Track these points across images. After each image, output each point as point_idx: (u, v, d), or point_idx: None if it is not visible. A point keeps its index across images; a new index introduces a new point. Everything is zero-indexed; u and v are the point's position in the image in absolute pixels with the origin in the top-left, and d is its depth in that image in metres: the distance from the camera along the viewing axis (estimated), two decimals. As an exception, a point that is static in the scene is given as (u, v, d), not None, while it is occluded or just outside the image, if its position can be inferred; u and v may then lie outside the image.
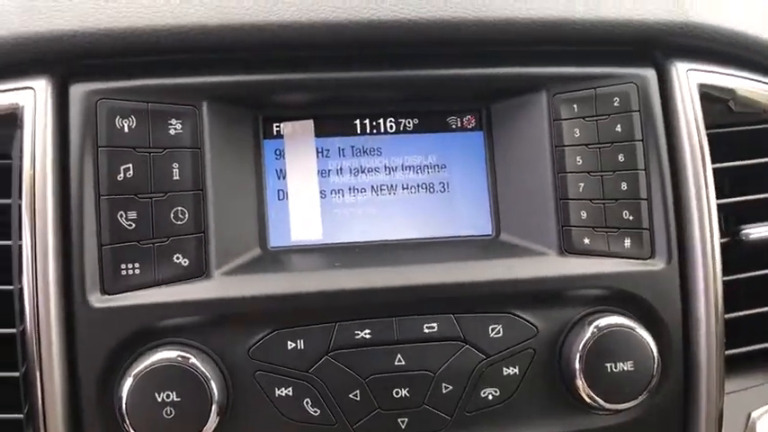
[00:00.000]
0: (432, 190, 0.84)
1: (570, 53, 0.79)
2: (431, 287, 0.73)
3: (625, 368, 0.74)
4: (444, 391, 0.75)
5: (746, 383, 0.83)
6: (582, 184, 0.78)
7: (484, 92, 0.81)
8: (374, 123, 0.82)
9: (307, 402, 0.73)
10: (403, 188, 0.83)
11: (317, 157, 0.81)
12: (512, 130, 0.81)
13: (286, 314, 0.71)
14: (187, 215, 0.72)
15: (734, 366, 0.80)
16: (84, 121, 0.71)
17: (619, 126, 0.78)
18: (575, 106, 0.79)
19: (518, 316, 0.75)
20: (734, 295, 0.80)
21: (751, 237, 0.85)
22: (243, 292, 0.71)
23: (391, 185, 0.82)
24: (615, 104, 0.78)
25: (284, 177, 0.80)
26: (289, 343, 0.72)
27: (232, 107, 0.76)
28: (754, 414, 0.81)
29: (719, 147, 0.81)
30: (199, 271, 0.72)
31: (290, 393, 0.72)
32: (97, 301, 0.69)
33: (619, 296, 0.76)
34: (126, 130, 0.71)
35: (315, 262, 0.77)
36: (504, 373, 0.75)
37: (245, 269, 0.74)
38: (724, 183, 0.84)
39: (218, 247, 0.72)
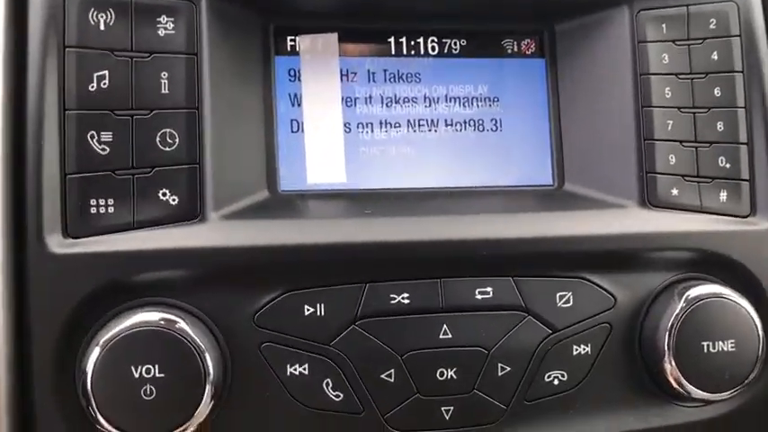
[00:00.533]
0: (481, 128, 0.70)
1: None
2: (484, 242, 0.60)
3: (725, 348, 0.60)
4: (500, 374, 0.60)
5: None
6: (670, 122, 0.66)
7: (547, 8, 0.70)
8: (412, 43, 0.69)
9: (326, 384, 0.58)
10: (446, 124, 0.70)
11: (342, 80, 0.68)
12: (582, 56, 0.70)
13: (302, 271, 0.59)
14: (177, 140, 0.58)
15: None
16: (47, 14, 0.57)
17: (715, 53, 0.66)
18: (663, 26, 0.67)
19: (591, 282, 0.63)
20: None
21: None
22: (247, 241, 0.58)
23: (432, 121, 0.69)
24: (711, 27, 0.67)
25: (299, 104, 0.67)
26: (306, 308, 0.58)
27: (239, 8, 0.63)
28: None
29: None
30: (191, 212, 0.58)
31: (306, 372, 0.58)
32: (58, 245, 0.55)
33: (712, 260, 0.65)
34: (102, 27, 0.57)
35: (337, 209, 0.65)
36: (575, 353, 0.61)
37: (250, 213, 0.61)
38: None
39: (216, 183, 0.59)
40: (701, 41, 0.67)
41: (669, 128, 0.66)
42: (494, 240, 0.61)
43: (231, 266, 0.58)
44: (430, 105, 0.70)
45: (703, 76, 0.66)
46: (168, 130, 0.58)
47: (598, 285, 0.63)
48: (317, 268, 0.59)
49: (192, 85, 0.59)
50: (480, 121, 0.70)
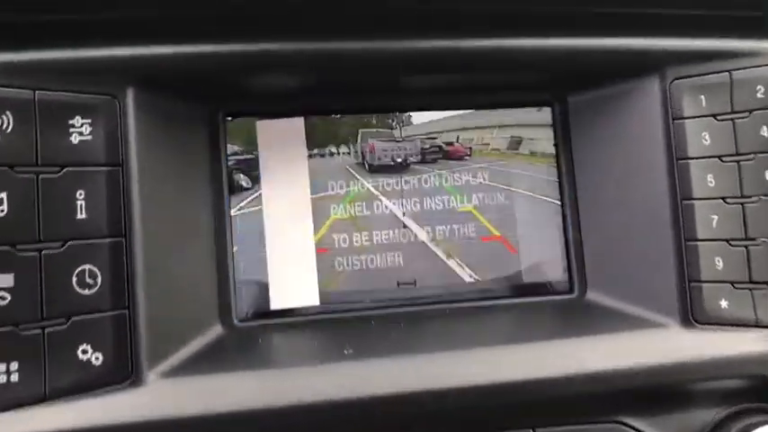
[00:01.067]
0: (480, 230, 0.59)
1: (693, 18, 0.56)
2: (495, 389, 0.49)
3: None
4: None
5: None
6: (715, 218, 0.55)
7: (559, 74, 0.59)
8: (393, 120, 0.59)
9: None
10: (439, 223, 0.59)
11: (311, 173, 0.57)
12: (601, 135, 0.60)
13: None
14: (100, 279, 0.47)
15: None
16: None
17: (765, 128, 0.56)
18: (702, 98, 0.57)
19: (630, 426, 0.53)
20: None
21: None
22: (196, 408, 0.46)
23: (421, 217, 0.59)
24: (759, 95, 0.56)
25: (260, 207, 0.56)
26: None
27: (175, 98, 0.52)
28: None
29: None
30: (121, 372, 0.47)
31: None
32: None
33: None
34: (-4, 135, 0.45)
35: (310, 348, 0.54)
36: None
37: (199, 364, 0.49)
38: None
39: (152, 329, 0.48)
40: (747, 114, 0.56)
41: (714, 224, 0.55)
42: (507, 385, 0.50)
43: None
44: (421, 199, 0.57)
45: (752, 157, 0.55)
46: (87, 267, 0.46)
47: (637, 431, 0.53)
48: None
49: (117, 205, 0.47)
50: (480, 216, 0.59)
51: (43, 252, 0.45)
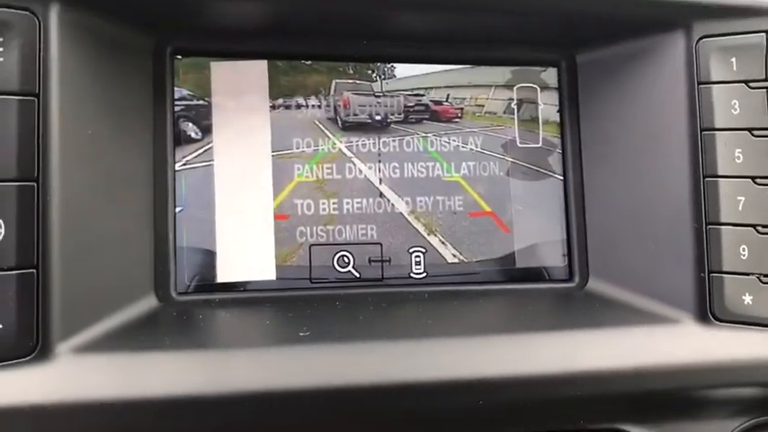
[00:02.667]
0: (468, 204, 0.52)
1: None
2: (478, 385, 0.42)
3: None
4: None
5: None
6: (742, 199, 0.49)
7: (568, 31, 0.52)
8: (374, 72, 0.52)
9: None
10: (420, 193, 0.51)
11: (273, 127, 0.50)
12: (614, 99, 0.53)
13: None
14: (3, 230, 0.39)
15: None
16: None
17: None
18: (733, 61, 0.50)
19: None
20: None
21: None
22: (115, 390, 0.39)
23: (400, 185, 0.51)
24: None
25: (210, 162, 0.48)
26: None
27: (113, 23, 0.44)
28: None
29: None
30: (25, 344, 0.39)
31: None
32: None
33: None
34: None
35: (259, 328, 0.46)
36: None
37: (123, 339, 0.42)
38: None
39: (67, 294, 0.41)
40: None
41: (740, 207, 0.49)
42: (492, 381, 0.43)
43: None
44: (400, 164, 0.50)
45: None
46: None
47: None
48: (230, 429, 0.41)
49: (29, 142, 0.40)
50: (468, 191, 0.53)
51: (-62, 194, 0.38)
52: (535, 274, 0.52)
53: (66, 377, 0.40)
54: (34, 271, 0.39)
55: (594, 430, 0.46)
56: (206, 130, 0.47)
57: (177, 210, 0.47)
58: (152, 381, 0.39)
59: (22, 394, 0.38)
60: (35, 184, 0.39)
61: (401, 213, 0.50)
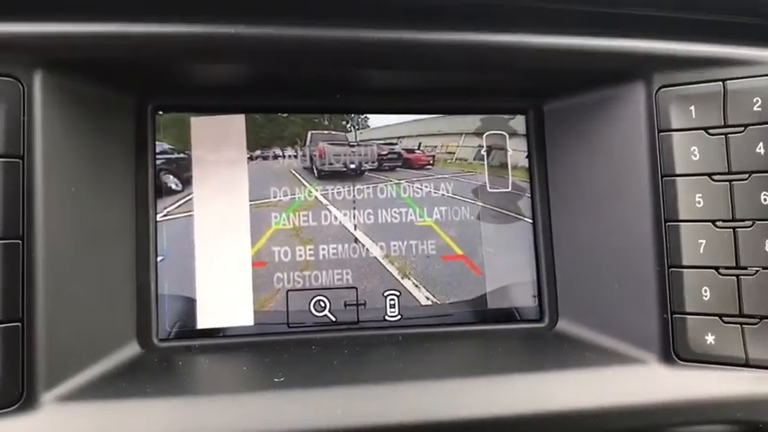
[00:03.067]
0: (441, 247, 0.53)
1: (685, 21, 0.51)
2: (449, 427, 0.44)
3: None
4: None
5: None
6: (703, 242, 0.50)
7: (535, 82, 0.54)
8: (348, 122, 0.54)
9: None
10: (394, 238, 0.53)
11: (251, 177, 0.52)
12: (580, 146, 0.55)
13: None
14: None
15: None
16: None
17: (761, 145, 0.50)
18: (692, 109, 0.51)
19: None
20: None
21: None
22: None
23: (375, 230, 0.53)
24: (756, 108, 0.51)
25: (190, 212, 0.49)
26: None
27: (93, 85, 0.46)
28: None
29: None
30: (11, 395, 0.41)
31: None
32: None
33: None
34: None
35: (237, 375, 0.47)
36: None
37: (106, 388, 0.43)
38: None
39: (50, 347, 0.42)
40: (741, 129, 0.51)
41: (702, 249, 0.50)
42: (460, 423, 0.44)
43: None
44: (374, 210, 0.52)
45: (746, 176, 0.50)
46: None
47: None
48: None
49: (15, 202, 0.42)
50: (435, 237, 0.54)
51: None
52: (506, 315, 0.53)
53: (51, 425, 0.41)
54: (19, 324, 0.41)
55: None
56: (186, 182, 0.49)
57: (159, 259, 0.48)
58: (133, 427, 0.41)
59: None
60: (20, 242, 0.41)
61: (376, 258, 0.52)
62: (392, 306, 0.51)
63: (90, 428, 0.40)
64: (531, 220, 0.54)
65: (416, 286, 0.52)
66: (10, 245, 0.41)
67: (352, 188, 0.52)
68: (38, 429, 0.40)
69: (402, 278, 0.52)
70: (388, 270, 0.52)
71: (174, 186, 0.49)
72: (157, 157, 0.49)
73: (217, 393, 0.43)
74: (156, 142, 0.49)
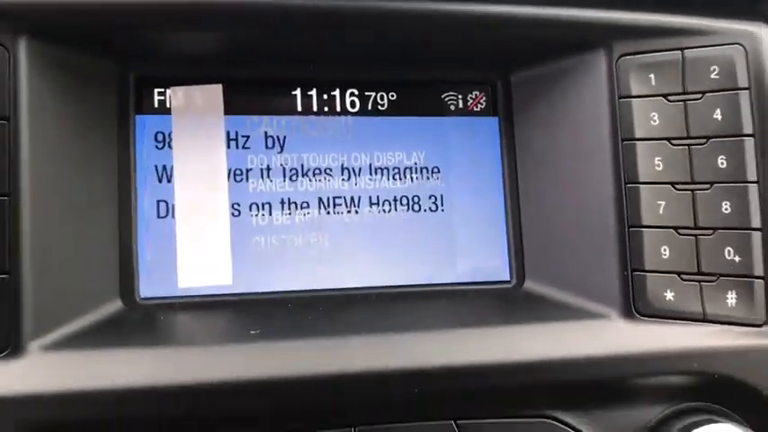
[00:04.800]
0: (416, 208, 0.57)
1: None
2: (416, 374, 0.47)
3: None
4: None
5: None
6: (662, 204, 0.53)
7: (500, 52, 0.57)
8: (326, 96, 0.57)
9: None
10: (371, 203, 0.56)
11: (229, 147, 0.54)
12: (545, 114, 0.58)
13: (163, 424, 0.45)
14: None
15: None
16: None
17: (718, 111, 0.53)
18: (651, 77, 0.54)
19: (560, 422, 0.50)
20: None
21: None
22: (82, 383, 0.44)
23: (351, 199, 0.56)
24: (713, 76, 0.54)
25: (169, 180, 0.53)
26: None
27: (79, 53, 0.49)
28: None
29: None
30: (1, 342, 0.44)
31: None
32: None
33: (719, 386, 0.53)
34: None
35: (215, 328, 0.51)
36: None
37: (90, 339, 0.46)
38: None
39: (38, 297, 0.45)
40: (699, 96, 0.54)
41: (661, 210, 0.54)
42: (429, 371, 0.47)
43: (60, 422, 0.44)
44: (349, 179, 0.57)
45: (704, 141, 0.53)
46: None
47: (569, 427, 0.51)
48: (183, 419, 0.45)
49: (2, 161, 0.44)
50: (415, 199, 0.57)
51: None
52: (476, 274, 0.56)
53: (35, 371, 0.43)
54: (6, 276, 0.44)
55: (526, 418, 0.50)
56: (166, 143, 0.52)
57: (140, 220, 0.51)
58: (115, 373, 0.44)
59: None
60: (7, 198, 0.44)
61: (351, 221, 0.54)
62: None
63: (73, 375, 0.44)
64: (500, 184, 0.57)
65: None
66: (-5, 203, 0.44)
67: (328, 152, 0.55)
68: (24, 375, 0.43)
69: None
70: (363, 230, 0.54)
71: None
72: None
73: (195, 345, 0.46)
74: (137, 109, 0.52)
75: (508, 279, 0.57)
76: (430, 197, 0.56)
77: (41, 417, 0.43)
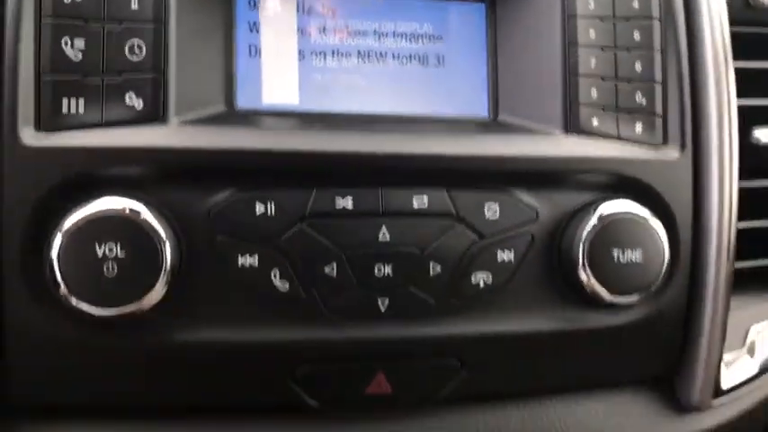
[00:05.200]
0: (425, 63, 0.75)
1: None
2: (422, 157, 0.65)
3: (633, 258, 0.67)
4: (432, 273, 0.65)
5: (746, 298, 0.81)
6: (593, 60, 0.71)
7: None
8: None
9: (275, 274, 0.63)
10: (394, 57, 0.75)
11: (297, 11, 0.72)
12: (518, 1, 0.74)
13: (255, 174, 0.63)
14: (144, 51, 0.63)
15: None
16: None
17: (636, 1, 0.71)
18: None
19: (518, 196, 0.68)
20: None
21: (763, 141, 0.78)
22: (204, 143, 0.62)
23: (381, 53, 0.75)
24: None
25: (257, 31, 0.71)
26: (258, 206, 0.63)
27: None
28: (754, 329, 0.81)
29: (733, 46, 0.76)
30: (154, 115, 0.62)
31: (256, 263, 0.62)
32: (31, 138, 0.59)
33: (627, 184, 0.69)
34: (77, -54, 0.59)
35: (289, 124, 0.68)
36: (499, 259, 0.67)
37: (208, 121, 0.65)
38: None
39: (178, 92, 0.63)
40: None
41: (592, 65, 0.71)
42: (431, 156, 0.65)
43: (189, 166, 0.62)
44: (379, 39, 0.74)
45: (625, 20, 0.71)
46: (136, 41, 0.62)
47: (523, 200, 0.68)
48: (269, 172, 0.63)
49: (160, 3, 0.63)
50: (425, 57, 0.74)
51: (106, 27, 0.62)
52: (464, 111, 0.75)
53: (175, 134, 0.61)
54: (161, 75, 0.62)
55: (495, 191, 0.66)
56: (255, 6, 0.72)
57: (239, 55, 0.70)
58: (223, 140, 0.63)
59: (153, 140, 0.61)
60: (162, 27, 0.63)
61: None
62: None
63: (199, 138, 0.62)
64: (485, 49, 0.78)
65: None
66: (156, 27, 0.63)
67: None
68: (169, 135, 0.62)
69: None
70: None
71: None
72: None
73: (277, 130, 0.67)
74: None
75: (487, 115, 0.74)
76: (435, 56, 0.73)
77: (182, 164, 0.62)
